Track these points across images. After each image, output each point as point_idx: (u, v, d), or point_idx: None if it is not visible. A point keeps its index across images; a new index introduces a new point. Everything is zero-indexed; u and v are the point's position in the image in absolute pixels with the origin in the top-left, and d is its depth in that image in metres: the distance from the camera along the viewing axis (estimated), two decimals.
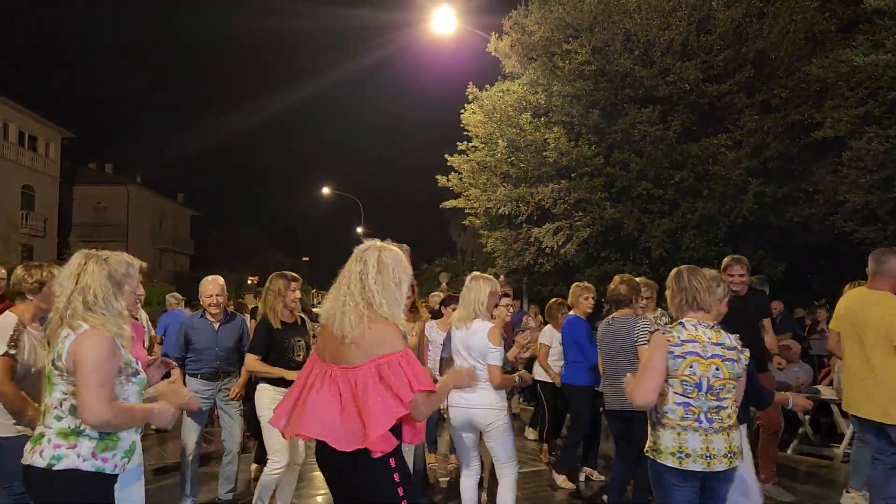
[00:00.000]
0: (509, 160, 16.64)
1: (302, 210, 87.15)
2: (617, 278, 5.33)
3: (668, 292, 3.46)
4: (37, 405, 3.54)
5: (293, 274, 5.10)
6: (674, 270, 3.49)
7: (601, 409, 5.72)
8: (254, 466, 6.64)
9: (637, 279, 5.49)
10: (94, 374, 2.43)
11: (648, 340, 4.11)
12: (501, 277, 17.55)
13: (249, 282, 30.26)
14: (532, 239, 16.32)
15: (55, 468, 2.41)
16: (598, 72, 15.34)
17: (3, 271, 4.10)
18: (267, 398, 4.81)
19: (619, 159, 15.21)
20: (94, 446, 2.46)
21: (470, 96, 17.49)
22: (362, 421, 2.52)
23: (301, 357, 4.88)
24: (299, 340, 4.96)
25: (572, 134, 15.73)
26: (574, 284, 6.51)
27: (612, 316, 5.26)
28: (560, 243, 15.55)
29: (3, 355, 3.52)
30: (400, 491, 2.61)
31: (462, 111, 17.60)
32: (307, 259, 59.37)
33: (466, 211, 18.52)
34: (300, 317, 5.15)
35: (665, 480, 3.25)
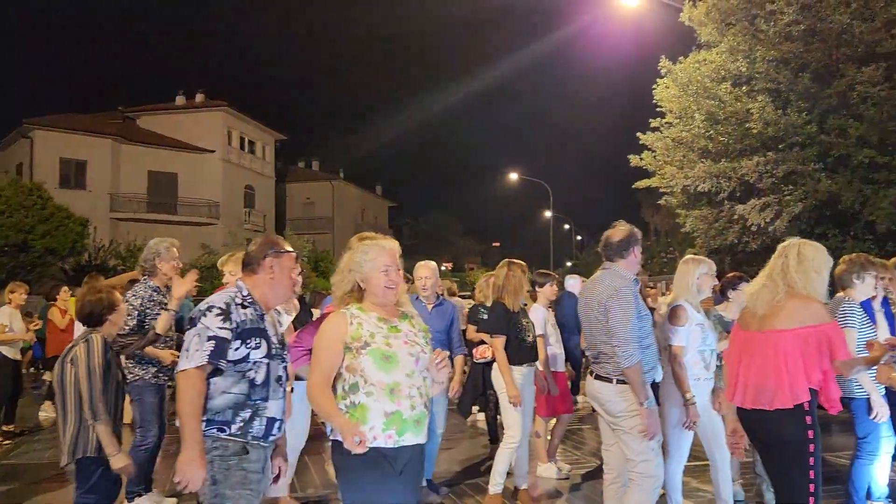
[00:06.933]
0: (708, 134, 15.83)
1: (491, 196, 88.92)
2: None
3: None
4: None
5: (522, 263, 5.16)
6: None
7: None
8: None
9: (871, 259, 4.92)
10: None
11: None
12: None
13: (444, 268, 31.28)
14: (735, 216, 15.45)
15: None
16: (809, 31, 14.13)
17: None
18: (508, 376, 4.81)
19: (835, 125, 13.93)
20: None
21: (662, 70, 16.79)
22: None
23: (531, 338, 4.97)
24: (528, 322, 5.05)
25: (779, 101, 14.66)
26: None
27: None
28: (768, 220, 14.59)
29: None
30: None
31: (654, 87, 16.95)
32: (497, 244, 60.36)
33: (661, 190, 17.85)
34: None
35: None
